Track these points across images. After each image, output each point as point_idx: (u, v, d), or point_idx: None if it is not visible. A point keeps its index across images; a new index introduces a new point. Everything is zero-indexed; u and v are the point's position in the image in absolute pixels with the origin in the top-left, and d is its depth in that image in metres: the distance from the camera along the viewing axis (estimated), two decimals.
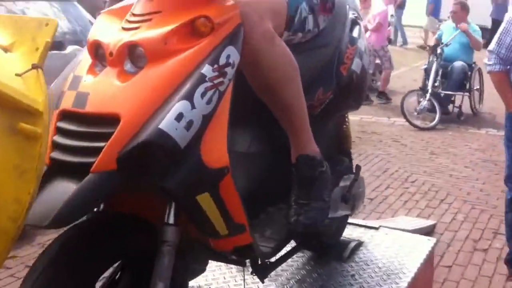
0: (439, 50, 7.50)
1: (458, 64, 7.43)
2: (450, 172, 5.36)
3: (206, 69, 1.31)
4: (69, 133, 1.27)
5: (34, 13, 5.11)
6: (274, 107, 1.65)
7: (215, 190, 1.30)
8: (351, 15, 2.08)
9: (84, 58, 1.42)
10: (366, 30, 9.37)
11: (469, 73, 7.48)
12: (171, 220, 1.35)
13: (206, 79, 1.30)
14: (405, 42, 14.64)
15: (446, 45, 7.52)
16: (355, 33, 2.04)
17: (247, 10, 1.47)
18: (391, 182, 5.03)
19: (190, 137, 1.24)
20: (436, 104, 7.28)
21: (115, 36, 1.35)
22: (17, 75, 0.96)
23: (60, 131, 1.28)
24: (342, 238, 2.47)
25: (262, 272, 1.77)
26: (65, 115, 1.30)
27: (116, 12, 1.48)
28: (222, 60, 1.35)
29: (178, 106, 1.24)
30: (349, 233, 2.57)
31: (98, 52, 1.37)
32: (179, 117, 1.23)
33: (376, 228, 2.66)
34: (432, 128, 7.22)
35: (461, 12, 7.54)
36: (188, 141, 1.24)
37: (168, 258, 1.33)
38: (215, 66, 1.33)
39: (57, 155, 1.25)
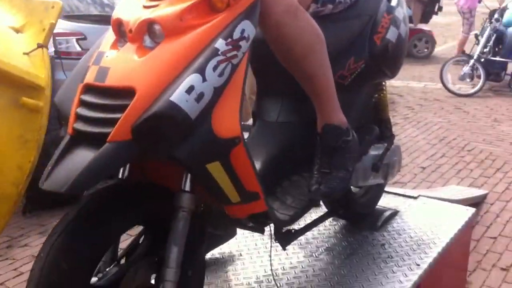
0: (496, 15, 7.16)
1: None
2: (511, 140, 5.20)
3: (220, 43, 1.35)
4: (90, 105, 1.36)
5: None
6: (299, 78, 1.69)
7: (225, 159, 1.36)
8: None
9: (109, 35, 1.49)
10: None
11: None
12: (187, 187, 1.42)
13: (219, 52, 1.35)
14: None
15: (503, 9, 7.16)
16: (393, 2, 2.02)
17: None
18: (447, 150, 4.94)
19: (201, 109, 1.30)
20: (481, 70, 6.99)
21: (136, 13, 1.42)
22: (24, 53, 1.05)
23: (82, 103, 1.37)
24: (377, 207, 2.48)
25: (284, 239, 1.83)
26: (88, 89, 1.39)
27: None
28: (236, 34, 1.39)
29: (190, 79, 1.29)
30: (386, 202, 2.59)
31: (120, 29, 1.44)
32: (190, 89, 1.28)
33: (415, 198, 2.66)
34: (471, 95, 6.97)
35: None
36: (198, 112, 1.29)
37: (182, 223, 1.41)
38: (229, 40, 1.37)
39: (79, 126, 1.34)
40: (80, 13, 4.93)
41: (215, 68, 1.33)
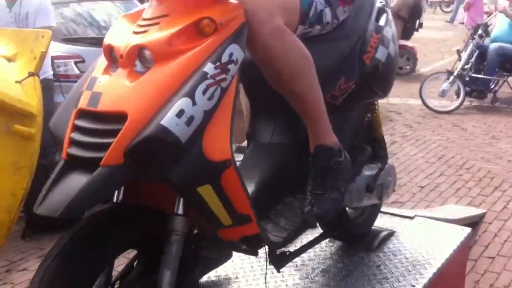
0: (479, 31, 7.13)
1: (494, 46, 7.02)
2: (509, 158, 5.22)
3: (208, 67, 1.37)
4: (83, 130, 1.38)
5: (100, 13, 5.34)
6: (290, 99, 1.71)
7: (216, 182, 1.37)
8: (378, 3, 2.09)
9: (101, 60, 1.52)
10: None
11: None
12: (180, 211, 1.44)
13: (208, 76, 1.37)
14: (452, 20, 14.56)
15: (487, 25, 7.16)
16: (381, 22, 2.04)
17: (255, 8, 1.52)
18: (445, 169, 4.95)
19: (191, 132, 1.31)
20: (461, 87, 6.97)
21: (126, 39, 1.44)
22: (17, 82, 1.07)
23: (76, 128, 1.39)
24: (373, 227, 2.49)
25: (279, 261, 1.84)
26: (81, 114, 1.41)
27: (131, 16, 1.58)
28: (225, 58, 1.41)
29: (180, 103, 1.31)
30: (383, 222, 2.59)
31: (111, 55, 1.47)
32: (180, 113, 1.30)
33: (411, 218, 2.66)
34: (450, 112, 6.96)
35: None
36: (189, 135, 1.31)
37: (175, 247, 1.42)
38: (217, 63, 1.39)
39: (73, 150, 1.36)
40: (78, 36, 4.99)
41: (204, 92, 1.35)
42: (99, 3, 5.44)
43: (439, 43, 12.45)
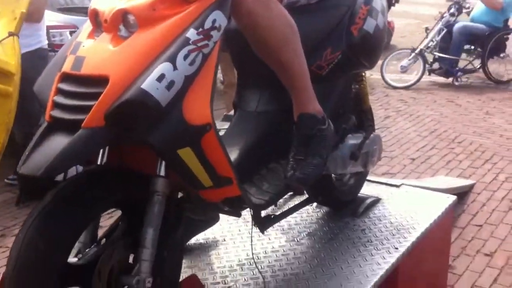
0: (452, 9, 7.01)
1: (458, 25, 6.92)
2: (502, 133, 5.26)
3: (191, 33, 1.40)
4: (66, 93, 1.41)
5: None
6: (274, 68, 1.73)
7: (196, 145, 1.41)
8: None
9: (87, 25, 1.54)
10: None
11: (488, 36, 6.88)
12: (162, 172, 1.47)
13: (190, 42, 1.39)
14: None
15: (459, 3, 7.03)
16: None
17: None
18: (437, 142, 4.99)
19: (172, 96, 1.35)
20: (421, 63, 6.89)
21: (111, 4, 1.46)
22: None
23: (59, 91, 1.42)
24: (360, 195, 2.54)
25: (263, 224, 1.89)
26: (65, 77, 1.44)
27: None
28: (208, 24, 1.43)
29: (161, 67, 1.34)
30: (369, 190, 2.64)
31: (96, 20, 1.49)
32: (161, 77, 1.33)
33: (398, 186, 2.71)
34: (406, 88, 6.93)
35: None
36: (169, 99, 1.34)
37: (157, 207, 1.46)
38: (200, 29, 1.41)
39: (55, 113, 1.40)
40: (74, 5, 4.97)
41: (186, 57, 1.38)
42: None
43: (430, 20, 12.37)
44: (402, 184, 2.74)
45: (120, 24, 1.44)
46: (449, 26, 7.03)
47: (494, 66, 7.23)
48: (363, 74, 2.29)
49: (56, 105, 1.41)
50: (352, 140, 2.14)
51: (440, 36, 7.04)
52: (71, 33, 4.56)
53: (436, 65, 7.14)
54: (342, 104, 2.12)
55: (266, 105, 1.99)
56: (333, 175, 2.28)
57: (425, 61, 6.98)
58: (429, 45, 7.01)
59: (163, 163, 1.47)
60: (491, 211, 3.57)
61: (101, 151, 1.53)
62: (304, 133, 1.78)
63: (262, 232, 1.92)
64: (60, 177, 1.49)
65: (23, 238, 1.31)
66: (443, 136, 5.16)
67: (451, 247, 3.07)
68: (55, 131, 1.37)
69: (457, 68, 7.10)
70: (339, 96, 2.09)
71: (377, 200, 2.53)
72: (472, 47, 7.15)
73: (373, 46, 2.05)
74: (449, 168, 4.36)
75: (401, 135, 5.23)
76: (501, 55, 7.10)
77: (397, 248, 2.12)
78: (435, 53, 7.07)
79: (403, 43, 9.15)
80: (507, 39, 7.15)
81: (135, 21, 1.42)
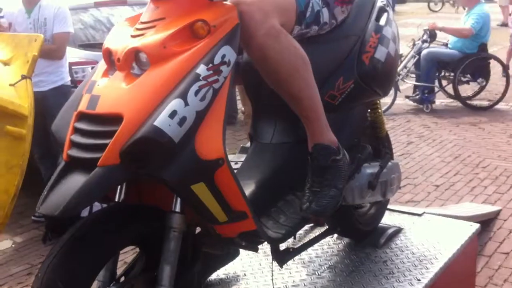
0: (424, 36, 6.87)
1: (424, 52, 6.81)
2: None
3: (201, 69, 1.42)
4: (82, 132, 1.44)
5: (118, 18, 5.40)
6: (287, 99, 1.74)
7: (210, 180, 1.41)
8: (379, 2, 2.11)
9: (101, 64, 1.58)
10: None
11: (458, 62, 6.77)
12: (178, 208, 1.48)
13: (200, 78, 1.41)
14: None
15: (432, 31, 6.89)
16: (382, 21, 2.07)
17: (251, 9, 1.57)
18: (462, 168, 4.92)
19: (184, 132, 1.36)
20: (394, 90, 6.68)
21: (124, 43, 1.50)
22: (10, 85, 1.13)
23: (76, 130, 1.45)
24: (381, 224, 2.50)
25: (282, 257, 1.87)
26: (81, 116, 1.47)
27: (131, 20, 1.64)
28: (217, 60, 1.45)
29: (172, 104, 1.36)
30: (391, 219, 2.61)
31: (110, 58, 1.53)
32: (173, 114, 1.35)
33: (419, 215, 2.67)
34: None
35: None
36: (182, 135, 1.36)
37: (174, 243, 1.47)
38: (210, 65, 1.44)
39: (72, 152, 1.42)
40: (96, 41, 5.05)
41: (196, 93, 1.40)
42: (117, 8, 5.46)
43: None
44: (424, 212, 2.70)
45: (132, 62, 1.47)
46: (420, 53, 6.96)
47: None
48: (378, 102, 2.28)
49: (73, 144, 1.43)
50: (369, 169, 2.12)
51: (412, 63, 6.98)
52: (92, 68, 4.62)
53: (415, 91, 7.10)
54: (357, 133, 2.11)
55: (281, 136, 1.99)
56: (352, 205, 2.26)
57: (396, 87, 6.91)
58: (401, 72, 6.92)
59: (179, 199, 1.48)
60: None
61: (119, 188, 1.54)
62: (319, 164, 1.77)
63: (281, 266, 1.91)
64: (85, 213, 1.51)
65: (42, 278, 1.33)
66: (467, 161, 5.09)
67: (477, 277, 3.00)
68: (73, 170, 1.40)
69: (425, 95, 7.03)
70: (353, 125, 2.08)
71: (398, 230, 2.49)
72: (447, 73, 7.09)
73: (385, 74, 2.05)
74: (474, 194, 4.28)
75: (424, 161, 5.17)
76: (478, 80, 7.02)
77: (419, 280, 2.09)
78: (405, 80, 7.05)
79: None
80: (486, 64, 7.02)
81: (147, 59, 1.44)
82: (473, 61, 6.86)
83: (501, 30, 12.46)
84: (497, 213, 3.81)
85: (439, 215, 2.72)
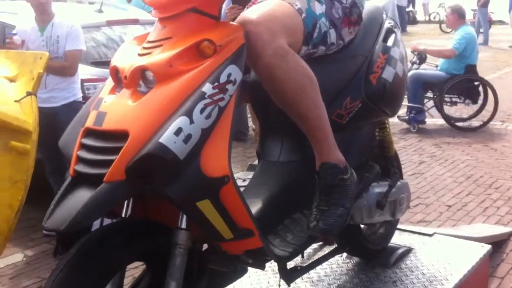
0: (414, 58, 6.89)
1: (410, 74, 6.64)
2: None
3: (207, 87, 1.43)
4: (89, 148, 1.45)
5: (130, 37, 5.47)
6: (294, 118, 1.74)
7: (215, 197, 1.41)
8: (387, 24, 2.12)
9: (108, 81, 1.60)
10: None
11: (444, 83, 6.77)
12: (183, 225, 1.48)
13: (206, 96, 1.42)
14: (485, 42, 14.03)
15: (421, 53, 6.89)
16: (389, 42, 2.07)
17: (259, 29, 1.58)
18: (474, 188, 4.87)
19: (189, 149, 1.37)
20: None
21: (131, 61, 1.51)
22: (15, 101, 1.15)
23: (83, 146, 1.46)
24: (391, 244, 2.48)
25: (289, 276, 1.86)
26: (88, 132, 1.48)
27: (139, 39, 1.65)
28: (223, 78, 1.46)
29: (178, 121, 1.37)
30: (401, 239, 2.58)
31: (117, 76, 1.54)
32: (178, 131, 1.36)
33: (430, 235, 2.65)
34: None
35: (451, 15, 7.05)
36: (187, 152, 1.36)
37: (179, 260, 1.46)
38: (216, 84, 1.45)
39: (79, 167, 1.43)
40: (108, 59, 5.11)
41: (202, 111, 1.40)
42: (130, 27, 5.52)
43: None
44: (435, 233, 2.68)
45: (139, 80, 1.48)
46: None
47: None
48: (386, 121, 2.28)
49: (80, 160, 1.44)
50: (377, 188, 2.11)
51: None
52: None
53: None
54: (365, 152, 2.10)
55: (288, 154, 1.99)
56: (361, 225, 2.25)
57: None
58: None
59: (185, 215, 1.48)
60: None
61: (126, 203, 1.55)
62: (326, 183, 1.76)
63: (288, 284, 1.90)
64: (96, 225, 1.52)
65: None
66: (479, 182, 5.04)
67: None
68: (79, 185, 1.41)
69: (412, 115, 7.01)
70: (361, 145, 2.07)
71: (409, 250, 2.47)
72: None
73: (393, 94, 2.05)
74: (486, 215, 4.23)
75: (436, 181, 5.12)
76: (465, 102, 7.00)
77: None
78: None
79: None
80: (474, 86, 6.97)
81: (153, 77, 1.46)
82: (459, 82, 6.89)
83: None
84: (510, 234, 3.75)
85: (450, 235, 2.69)
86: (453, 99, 7.04)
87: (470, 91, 7.00)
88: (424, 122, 7.13)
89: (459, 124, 7.14)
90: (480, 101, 7.03)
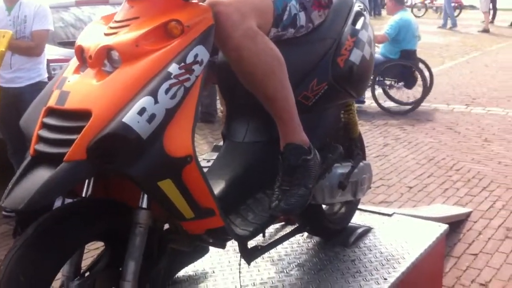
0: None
1: None
2: (500, 160, 5.25)
3: (173, 67, 1.44)
4: (50, 127, 1.44)
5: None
6: (261, 99, 1.76)
7: (177, 176, 1.43)
8: (356, 7, 2.14)
9: (73, 61, 1.59)
10: None
11: (378, 66, 6.88)
12: (144, 204, 1.50)
13: (172, 76, 1.43)
14: (454, 25, 14.88)
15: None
16: (358, 25, 2.10)
17: (228, 10, 1.59)
18: (435, 170, 4.99)
19: (153, 129, 1.38)
20: None
21: (96, 40, 1.51)
22: None
23: (44, 125, 1.46)
24: (351, 224, 2.54)
25: (250, 255, 1.89)
26: (49, 112, 1.47)
27: (106, 19, 1.65)
28: (190, 59, 1.47)
29: (142, 101, 1.38)
30: (361, 219, 2.65)
31: (82, 56, 1.54)
32: (142, 111, 1.37)
33: (389, 215, 2.72)
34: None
35: (390, 2, 7.34)
36: (150, 132, 1.37)
37: (139, 239, 1.48)
38: (182, 64, 1.45)
39: (39, 147, 1.43)
40: (75, 39, 5.03)
41: (167, 91, 1.41)
42: (99, 7, 5.44)
43: (442, 48, 12.49)
44: (394, 213, 2.75)
45: (104, 59, 1.48)
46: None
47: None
48: (352, 103, 2.31)
49: (41, 139, 1.44)
50: (340, 169, 2.15)
51: None
52: None
53: None
54: (330, 134, 2.14)
55: (254, 135, 2.01)
56: (323, 204, 2.30)
57: None
58: None
59: (146, 195, 1.50)
60: (487, 239, 3.55)
61: (86, 183, 1.55)
62: (289, 164, 1.79)
63: (249, 264, 1.93)
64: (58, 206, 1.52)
65: (5, 271, 1.33)
66: (441, 164, 5.16)
67: (446, 277, 3.06)
68: (39, 164, 1.40)
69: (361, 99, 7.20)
70: (326, 126, 2.11)
71: (368, 230, 2.53)
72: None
73: (359, 76, 2.08)
74: (446, 196, 4.35)
75: (399, 163, 5.23)
76: (398, 84, 7.23)
77: (386, 279, 2.12)
78: None
79: None
80: (410, 71, 7.14)
81: (119, 56, 1.46)
82: (392, 66, 7.11)
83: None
84: (468, 214, 3.87)
85: (409, 215, 2.76)
86: (391, 83, 7.27)
87: (405, 76, 7.22)
88: (363, 102, 7.33)
89: (387, 105, 7.33)
90: (420, 88, 7.18)
